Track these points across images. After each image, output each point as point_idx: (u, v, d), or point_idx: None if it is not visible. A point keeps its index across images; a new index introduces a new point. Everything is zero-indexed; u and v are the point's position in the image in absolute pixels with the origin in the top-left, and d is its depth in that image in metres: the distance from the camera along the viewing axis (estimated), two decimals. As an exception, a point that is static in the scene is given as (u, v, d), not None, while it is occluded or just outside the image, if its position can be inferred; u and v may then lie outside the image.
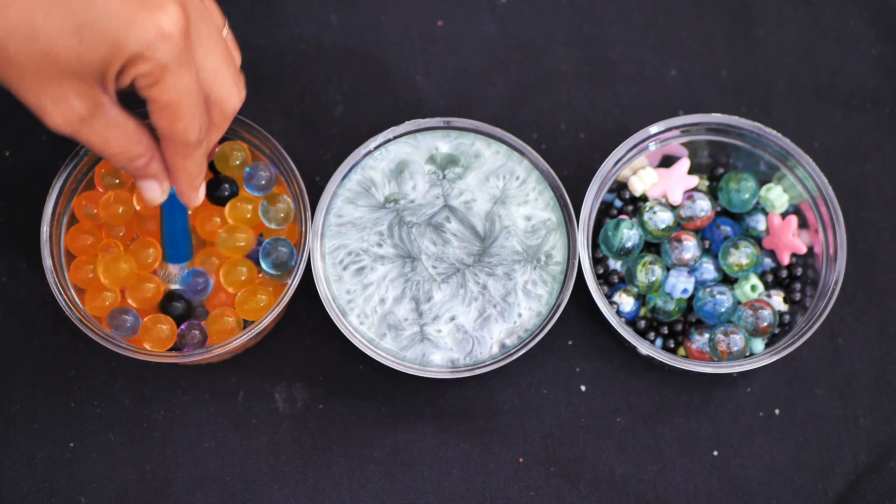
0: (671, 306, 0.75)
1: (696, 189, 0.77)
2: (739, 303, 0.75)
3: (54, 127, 0.58)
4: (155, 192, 0.65)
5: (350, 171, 0.73)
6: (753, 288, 0.75)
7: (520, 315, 0.71)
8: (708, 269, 0.75)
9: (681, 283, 0.74)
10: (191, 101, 0.59)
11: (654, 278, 0.74)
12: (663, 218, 0.74)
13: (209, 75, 0.61)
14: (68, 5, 0.55)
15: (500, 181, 0.73)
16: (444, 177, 0.72)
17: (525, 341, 0.71)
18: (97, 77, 0.57)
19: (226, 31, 0.65)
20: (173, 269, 0.73)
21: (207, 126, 0.62)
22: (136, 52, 0.56)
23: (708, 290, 0.74)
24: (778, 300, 0.75)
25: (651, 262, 0.74)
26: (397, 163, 0.73)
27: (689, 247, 0.74)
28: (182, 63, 0.58)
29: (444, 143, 0.73)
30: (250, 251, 0.73)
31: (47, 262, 0.71)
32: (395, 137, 0.73)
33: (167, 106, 0.59)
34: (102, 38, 0.55)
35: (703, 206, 0.75)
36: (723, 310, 0.73)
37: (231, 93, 0.63)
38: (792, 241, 0.75)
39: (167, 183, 0.65)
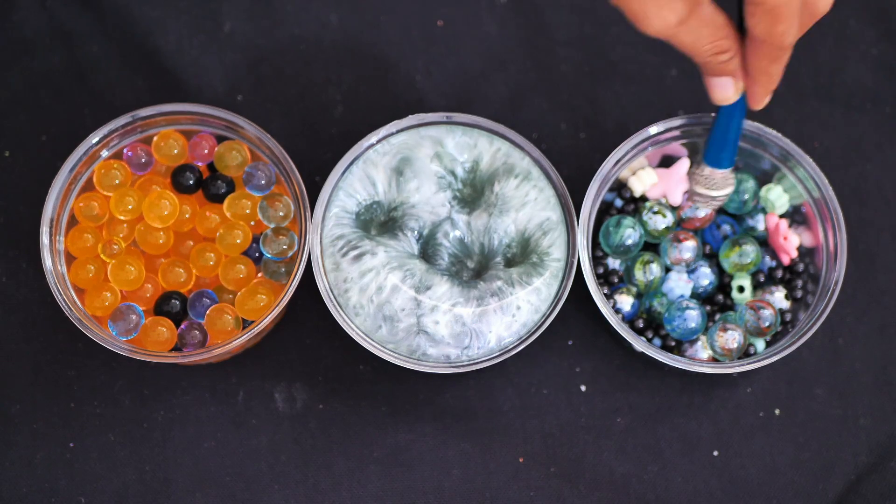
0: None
1: (696, 189, 0.77)
2: (735, 308, 0.74)
3: (652, 32, 0.60)
4: (729, 90, 0.66)
5: (352, 163, 0.73)
6: (741, 289, 0.75)
7: (518, 308, 0.71)
8: (704, 273, 0.75)
9: (679, 287, 0.74)
10: (793, 3, 0.59)
11: (652, 277, 0.74)
12: (663, 218, 0.74)
13: None
14: None
15: (496, 185, 0.72)
16: (453, 175, 0.72)
17: (523, 338, 0.71)
18: None
19: None
20: (712, 173, 0.72)
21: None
22: None
23: (677, 304, 0.73)
24: (780, 296, 0.75)
25: (649, 261, 0.74)
26: (400, 158, 0.73)
27: (689, 247, 0.74)
28: None
29: (449, 140, 0.73)
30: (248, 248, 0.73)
31: (47, 263, 0.71)
32: (398, 131, 0.73)
33: (772, 9, 0.59)
34: None
35: (703, 206, 0.75)
36: (693, 325, 0.73)
37: None
38: (783, 245, 0.74)
39: (742, 83, 0.66)
